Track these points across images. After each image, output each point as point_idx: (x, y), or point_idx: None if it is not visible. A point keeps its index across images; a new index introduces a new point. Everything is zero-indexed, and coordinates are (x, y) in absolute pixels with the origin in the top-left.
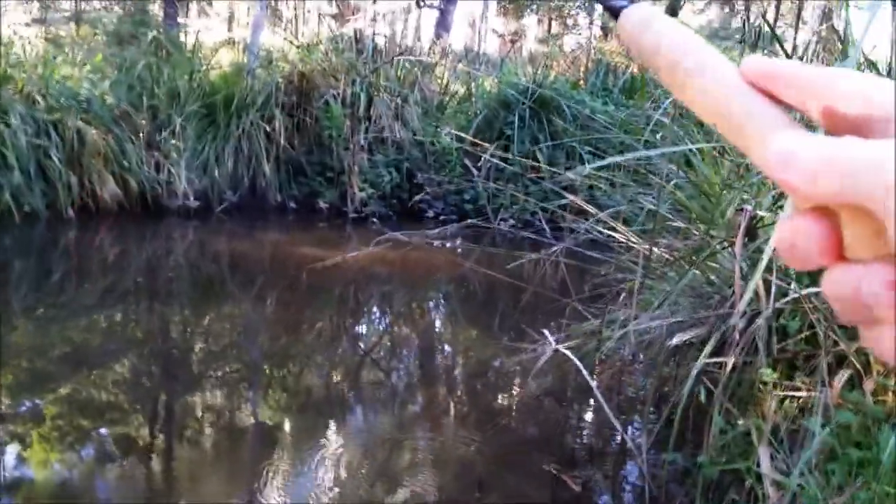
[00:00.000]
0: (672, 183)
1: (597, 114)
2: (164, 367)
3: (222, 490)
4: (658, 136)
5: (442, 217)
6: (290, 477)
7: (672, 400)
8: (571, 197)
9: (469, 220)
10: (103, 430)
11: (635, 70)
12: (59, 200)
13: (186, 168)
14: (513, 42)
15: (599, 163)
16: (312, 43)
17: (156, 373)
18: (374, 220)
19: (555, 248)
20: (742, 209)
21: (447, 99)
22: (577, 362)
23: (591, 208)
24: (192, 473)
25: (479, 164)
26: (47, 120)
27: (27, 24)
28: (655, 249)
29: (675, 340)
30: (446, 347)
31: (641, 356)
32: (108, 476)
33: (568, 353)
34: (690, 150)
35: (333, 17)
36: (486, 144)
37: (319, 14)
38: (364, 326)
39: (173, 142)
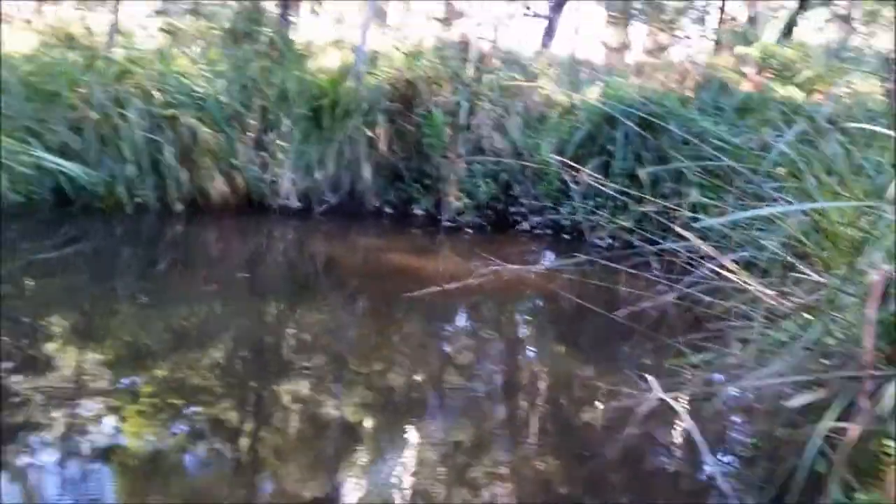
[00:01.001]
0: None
1: (708, 134)
2: (253, 357)
3: (298, 478)
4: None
5: (536, 231)
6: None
7: (786, 465)
8: (691, 236)
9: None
10: (192, 410)
11: (750, 87)
12: (168, 194)
13: (290, 169)
14: (619, 52)
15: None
16: (418, 50)
17: (245, 362)
18: (468, 229)
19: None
20: (878, 269)
21: (549, 110)
22: (684, 414)
23: (707, 248)
24: (271, 457)
25: (578, 180)
26: (163, 115)
27: (148, 16)
28: (779, 298)
29: (797, 402)
30: (540, 386)
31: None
32: (194, 451)
33: (674, 403)
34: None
35: (440, 20)
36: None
37: (426, 17)
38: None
39: (280, 142)
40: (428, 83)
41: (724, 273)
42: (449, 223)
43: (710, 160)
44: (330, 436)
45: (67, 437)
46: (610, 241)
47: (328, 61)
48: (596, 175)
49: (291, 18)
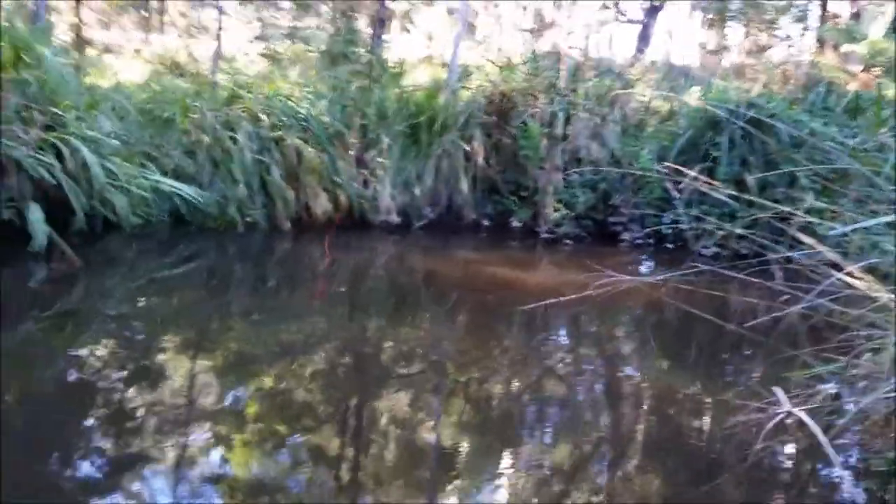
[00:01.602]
0: None
1: (818, 136)
2: (357, 371)
3: (399, 495)
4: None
5: (638, 241)
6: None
7: None
8: (814, 242)
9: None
10: (300, 423)
11: (859, 86)
12: (276, 213)
13: (390, 185)
14: (717, 55)
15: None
16: (512, 62)
17: (350, 376)
18: (568, 241)
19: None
20: None
21: (648, 117)
22: (816, 429)
23: (833, 255)
24: (365, 470)
25: (680, 187)
26: (270, 137)
27: (250, 42)
28: None
29: None
30: (666, 399)
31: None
32: (300, 465)
33: (804, 416)
34: None
35: (529, 31)
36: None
37: (516, 28)
38: (556, 362)
39: (380, 160)
40: (523, 95)
41: (851, 281)
42: (547, 235)
43: (823, 163)
44: (433, 451)
45: (180, 450)
46: (717, 249)
47: (421, 77)
48: (702, 178)
49: (384, 38)
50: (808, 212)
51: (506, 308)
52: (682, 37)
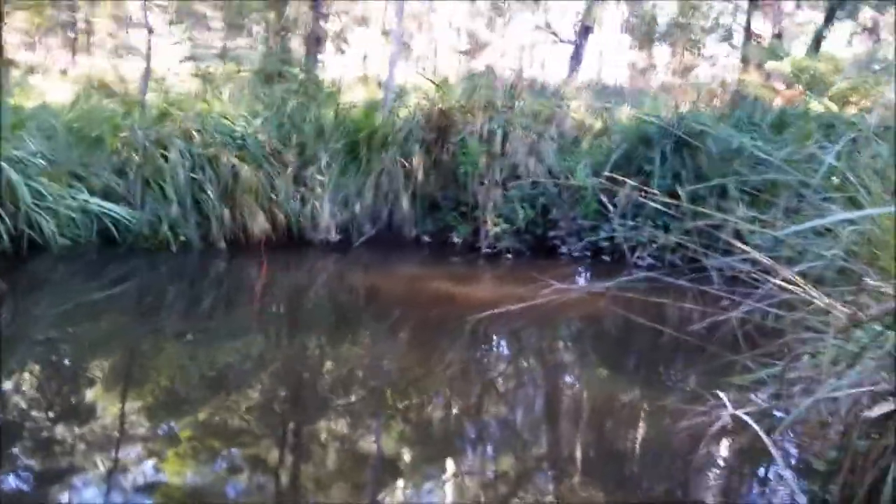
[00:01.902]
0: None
1: (746, 149)
2: (296, 393)
3: None
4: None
5: (576, 254)
6: None
7: (868, 478)
8: (746, 248)
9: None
10: (232, 450)
11: (783, 102)
12: (211, 232)
13: (330, 202)
14: (644, 74)
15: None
16: (449, 81)
17: (287, 398)
18: (508, 255)
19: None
20: None
21: (582, 134)
22: (759, 430)
23: (769, 261)
24: (303, 493)
25: (615, 201)
26: (204, 155)
27: (180, 62)
28: (845, 309)
29: (876, 412)
30: (607, 406)
31: (829, 424)
32: (233, 491)
33: (747, 418)
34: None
35: (464, 52)
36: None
37: (451, 49)
38: (499, 375)
39: (319, 177)
40: (461, 112)
41: (788, 286)
42: (488, 250)
43: (750, 176)
44: (373, 473)
45: (109, 480)
46: (651, 260)
47: (357, 97)
48: (639, 188)
49: (319, 57)
50: (740, 221)
51: (449, 323)
52: (612, 57)
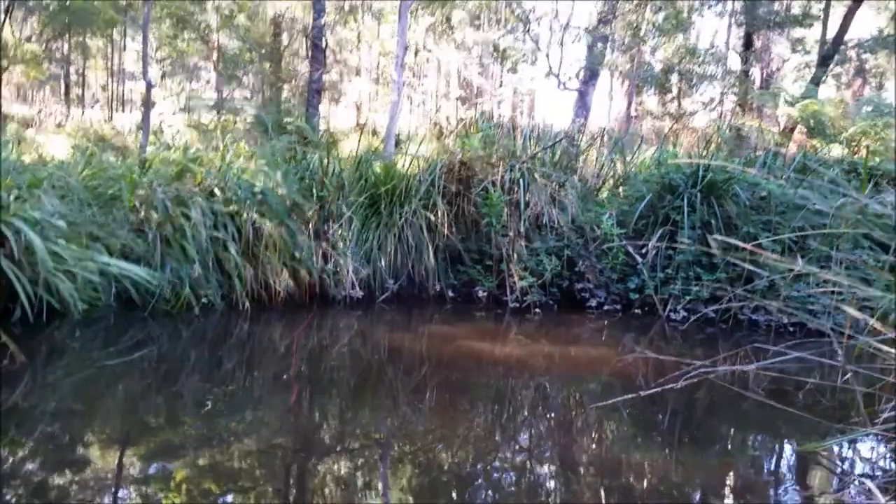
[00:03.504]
0: None
1: (775, 196)
2: (312, 463)
3: None
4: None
5: (605, 307)
6: None
7: None
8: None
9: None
10: None
11: (792, 149)
12: (234, 291)
13: (352, 258)
14: (639, 120)
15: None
16: (470, 131)
17: (302, 467)
18: (537, 309)
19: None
20: None
21: (600, 182)
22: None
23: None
24: None
25: (644, 251)
26: (225, 212)
27: (174, 113)
28: None
29: None
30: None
31: None
32: None
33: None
34: None
35: (459, 99)
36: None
37: (448, 97)
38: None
39: (340, 232)
40: (482, 163)
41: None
42: (515, 304)
43: (782, 225)
44: None
45: None
46: (685, 313)
47: (352, 146)
48: (663, 244)
49: (321, 108)
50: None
51: (474, 384)
52: (604, 105)
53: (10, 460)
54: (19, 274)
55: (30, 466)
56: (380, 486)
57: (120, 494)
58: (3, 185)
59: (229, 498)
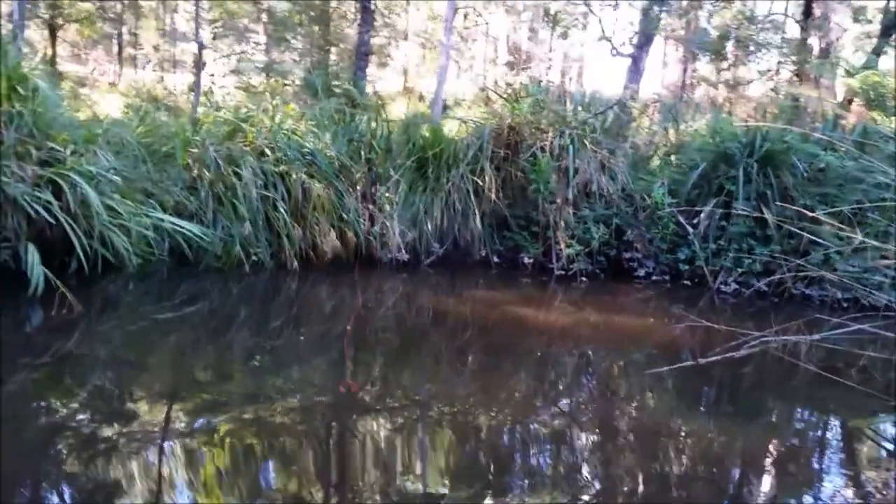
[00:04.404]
0: None
1: (832, 169)
2: (353, 417)
3: None
4: None
5: (654, 277)
6: None
7: None
8: None
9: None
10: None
11: (851, 121)
12: (283, 251)
13: (398, 220)
14: (692, 88)
15: None
16: (519, 95)
17: (344, 422)
18: (583, 278)
19: None
20: None
21: (652, 151)
22: None
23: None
24: None
25: (695, 221)
26: (275, 172)
27: (223, 76)
28: None
29: None
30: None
31: None
32: None
33: None
34: None
35: (507, 64)
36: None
37: (496, 62)
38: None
39: (387, 195)
40: (531, 128)
41: None
42: (561, 272)
43: (839, 197)
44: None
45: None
46: (736, 286)
47: (399, 110)
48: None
49: (368, 72)
50: (856, 249)
51: (518, 349)
52: (657, 72)
53: (64, 406)
54: (75, 227)
55: (82, 414)
56: (419, 446)
57: (167, 443)
58: (60, 140)
59: (272, 450)
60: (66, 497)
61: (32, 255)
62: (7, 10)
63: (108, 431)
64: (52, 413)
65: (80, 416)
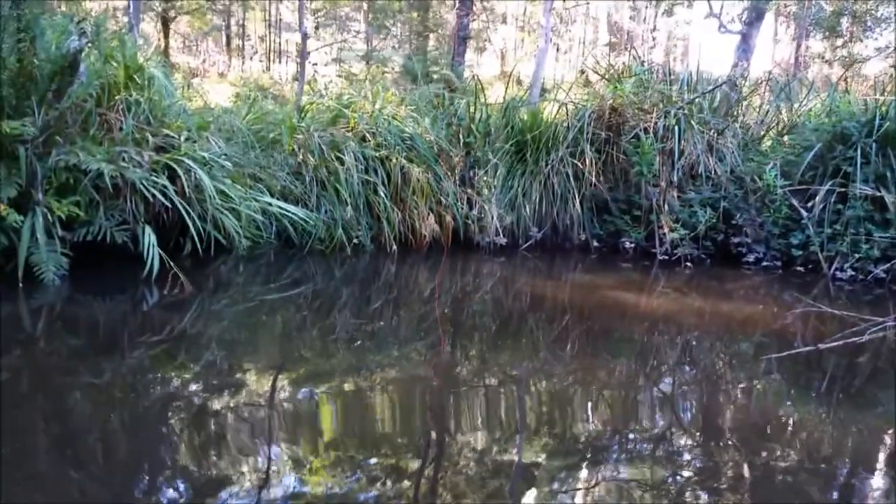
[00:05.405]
0: None
1: None
2: (450, 400)
3: None
4: None
5: (764, 263)
6: None
7: None
8: None
9: None
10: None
11: None
12: (383, 234)
13: (496, 204)
14: (805, 66)
15: None
16: (623, 75)
17: (440, 404)
18: (688, 263)
19: None
20: None
21: (763, 131)
22: None
23: None
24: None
25: (810, 205)
26: (376, 157)
27: (325, 65)
28: None
29: None
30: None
31: None
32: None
33: None
34: None
35: (608, 45)
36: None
37: (596, 43)
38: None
39: (486, 179)
40: (633, 109)
41: None
42: (664, 256)
43: None
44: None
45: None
46: (852, 273)
47: (497, 94)
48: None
49: (466, 56)
50: None
51: (619, 335)
52: (774, 47)
53: (178, 380)
54: (189, 210)
55: (194, 387)
56: (514, 427)
57: (274, 417)
58: (174, 128)
59: (371, 425)
60: (183, 459)
61: (149, 237)
62: (123, 3)
63: (220, 401)
64: (167, 385)
65: (194, 387)
